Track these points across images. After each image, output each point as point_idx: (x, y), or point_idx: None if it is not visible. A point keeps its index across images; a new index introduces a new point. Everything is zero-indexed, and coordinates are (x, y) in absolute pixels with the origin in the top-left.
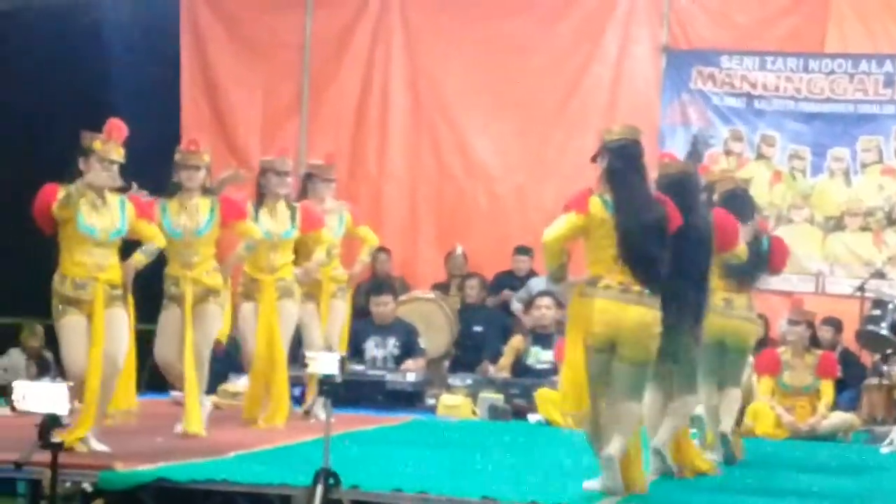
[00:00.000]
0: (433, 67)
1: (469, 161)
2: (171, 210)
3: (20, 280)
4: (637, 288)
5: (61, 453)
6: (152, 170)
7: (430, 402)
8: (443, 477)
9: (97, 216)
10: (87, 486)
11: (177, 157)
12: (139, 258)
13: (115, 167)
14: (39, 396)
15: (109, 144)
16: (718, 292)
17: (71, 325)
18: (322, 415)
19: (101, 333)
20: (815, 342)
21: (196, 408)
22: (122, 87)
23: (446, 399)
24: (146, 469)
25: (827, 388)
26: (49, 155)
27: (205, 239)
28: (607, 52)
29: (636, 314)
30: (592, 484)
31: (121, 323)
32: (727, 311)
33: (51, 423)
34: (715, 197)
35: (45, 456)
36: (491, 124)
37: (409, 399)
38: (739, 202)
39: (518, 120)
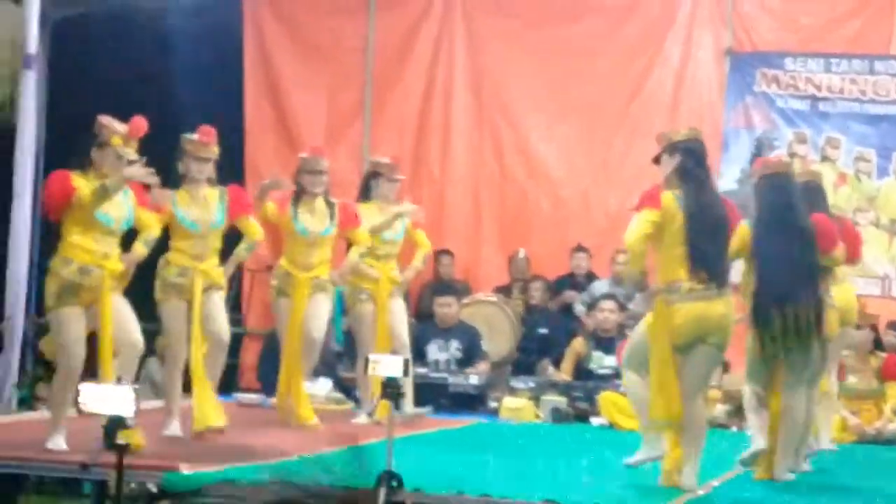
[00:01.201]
0: (496, 71)
1: (532, 164)
2: (182, 201)
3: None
4: (713, 284)
5: (127, 454)
6: (216, 173)
7: (493, 405)
8: (505, 480)
9: (111, 205)
10: (152, 487)
11: (188, 146)
12: (141, 249)
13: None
14: (105, 398)
15: (129, 142)
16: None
17: (68, 317)
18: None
19: (109, 319)
20: (878, 345)
21: (210, 401)
22: (187, 91)
23: (509, 402)
24: (211, 471)
25: (892, 391)
26: None
27: (218, 231)
28: (670, 56)
29: (721, 307)
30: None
31: (127, 307)
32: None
33: (116, 424)
34: None
35: (111, 457)
36: (554, 128)
37: (471, 402)
38: (813, 194)
39: (581, 123)
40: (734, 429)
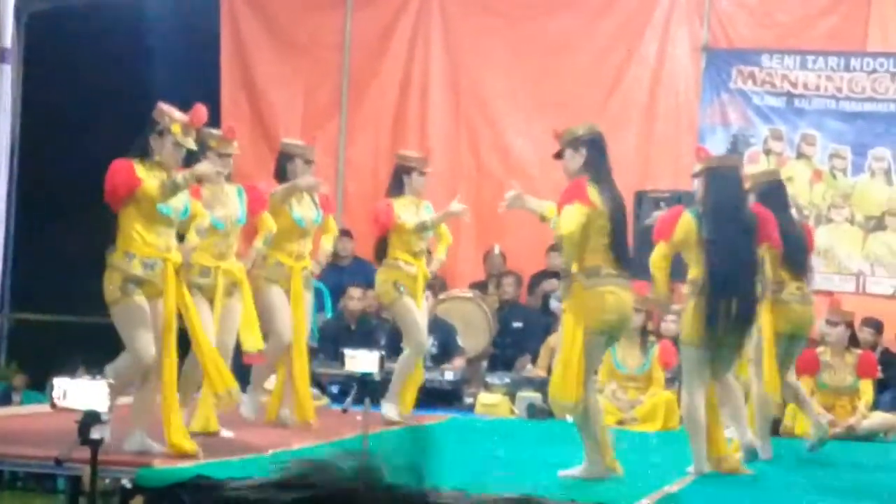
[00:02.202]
0: (472, 67)
1: (508, 160)
2: (204, 198)
3: None
4: (626, 273)
5: (100, 450)
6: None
7: (469, 400)
8: (481, 475)
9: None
10: (126, 483)
11: (211, 142)
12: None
13: (184, 151)
14: (80, 393)
15: (189, 131)
16: (790, 283)
17: (138, 308)
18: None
19: (173, 315)
20: (854, 342)
21: (209, 404)
22: (162, 86)
23: (484, 398)
24: (184, 466)
25: (867, 388)
26: (90, 156)
27: (239, 229)
28: (647, 52)
29: (631, 295)
30: (571, 472)
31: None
32: (803, 299)
33: (91, 419)
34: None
35: (85, 452)
36: (530, 123)
37: (447, 397)
38: (776, 193)
39: (558, 119)
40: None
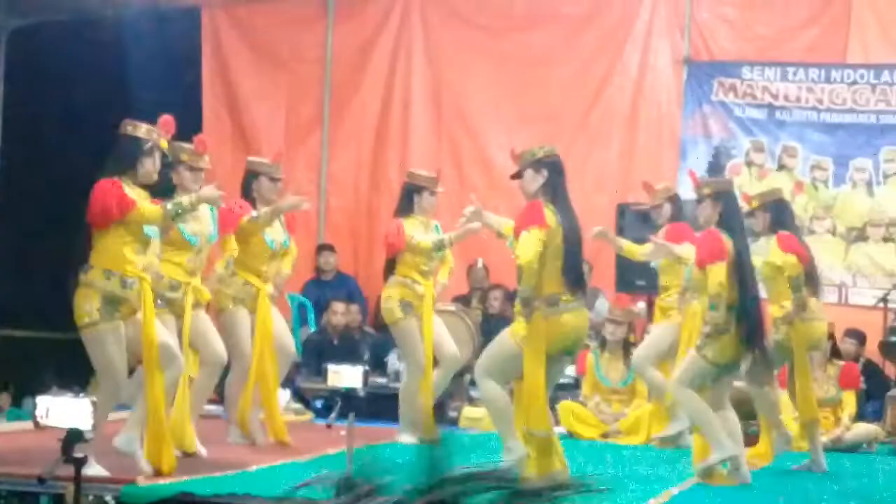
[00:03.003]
0: (454, 80)
1: (490, 174)
2: None
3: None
4: (581, 296)
5: (84, 468)
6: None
7: (453, 414)
8: None
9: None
10: (109, 500)
11: (183, 156)
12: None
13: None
14: (63, 411)
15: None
16: (810, 300)
17: (116, 332)
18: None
19: (154, 331)
20: (836, 353)
21: (189, 424)
22: (144, 102)
23: (468, 412)
24: (168, 483)
25: (849, 399)
26: (71, 172)
27: (210, 246)
28: (628, 65)
29: (586, 319)
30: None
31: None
32: (821, 314)
33: (74, 438)
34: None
35: (68, 470)
36: (512, 137)
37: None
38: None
39: (540, 133)
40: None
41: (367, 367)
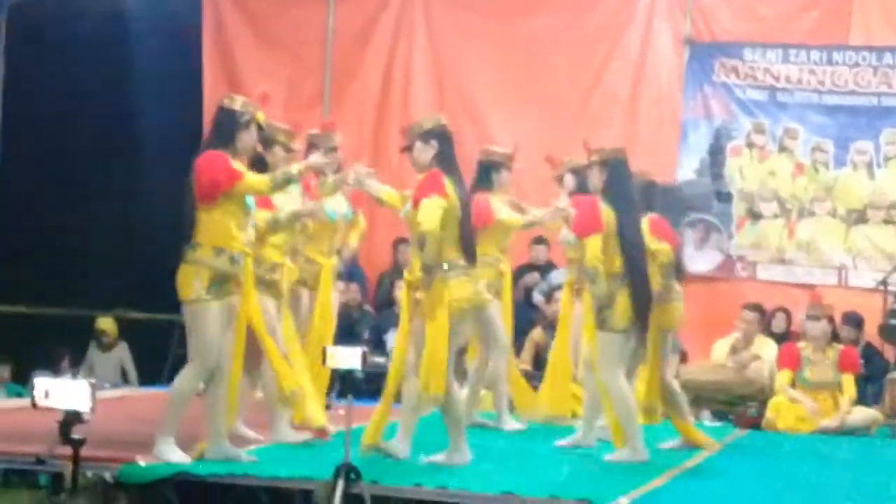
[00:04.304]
0: (455, 63)
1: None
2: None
3: None
4: (474, 263)
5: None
6: (175, 163)
7: None
8: (463, 471)
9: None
10: (108, 478)
11: (278, 137)
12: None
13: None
14: (61, 393)
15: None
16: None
17: (220, 312)
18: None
19: (252, 309)
20: (835, 337)
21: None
22: (145, 82)
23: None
24: (166, 463)
25: (848, 383)
26: (72, 146)
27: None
28: (630, 46)
29: (479, 287)
30: (434, 458)
31: None
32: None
33: (72, 419)
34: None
35: (66, 448)
36: (514, 119)
37: None
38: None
39: (541, 115)
40: (691, 418)
41: (365, 348)
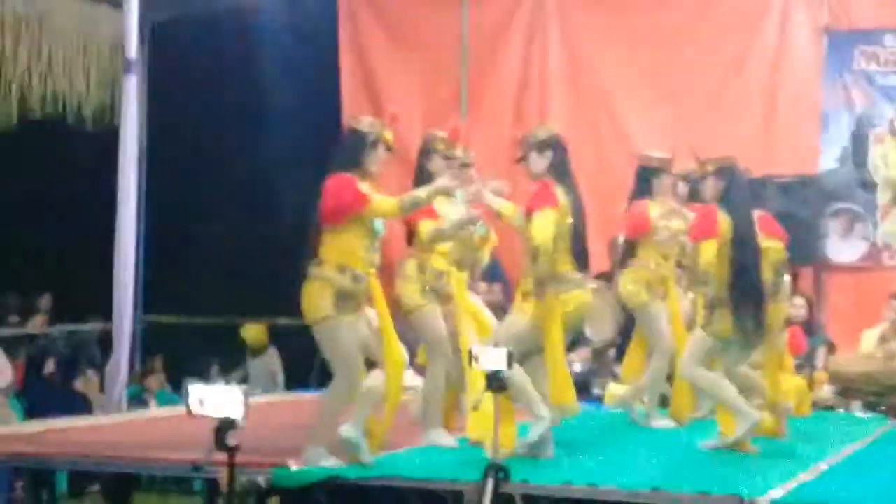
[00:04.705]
0: (590, 60)
1: (628, 151)
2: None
3: None
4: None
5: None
6: (313, 166)
7: (597, 391)
8: (611, 468)
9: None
10: (261, 483)
11: (438, 145)
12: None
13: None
14: (215, 400)
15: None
16: None
17: (351, 326)
18: None
19: (389, 321)
20: None
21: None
22: (284, 88)
23: (614, 388)
24: (318, 467)
25: None
26: (216, 160)
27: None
28: (766, 36)
29: (590, 295)
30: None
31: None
32: None
33: (226, 426)
34: None
35: (221, 454)
36: (650, 114)
37: (575, 389)
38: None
39: (678, 108)
40: (841, 410)
41: (511, 349)
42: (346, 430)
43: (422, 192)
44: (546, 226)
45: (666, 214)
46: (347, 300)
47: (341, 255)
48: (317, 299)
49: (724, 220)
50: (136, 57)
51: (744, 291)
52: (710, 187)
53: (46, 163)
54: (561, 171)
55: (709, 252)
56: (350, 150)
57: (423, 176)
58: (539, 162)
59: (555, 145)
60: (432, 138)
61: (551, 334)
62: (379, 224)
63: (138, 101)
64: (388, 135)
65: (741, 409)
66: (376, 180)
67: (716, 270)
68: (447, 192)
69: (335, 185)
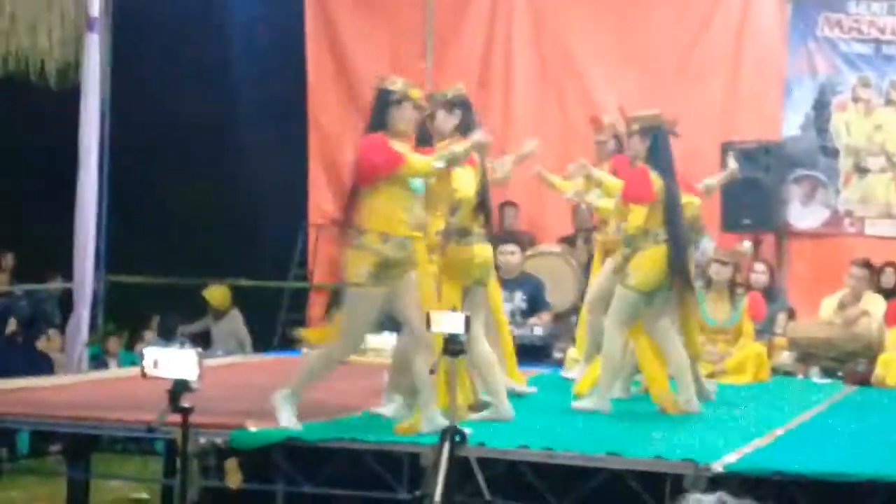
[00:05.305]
0: (556, 23)
1: (594, 115)
2: None
3: None
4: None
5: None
6: (278, 126)
7: (558, 355)
8: (568, 432)
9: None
10: (219, 443)
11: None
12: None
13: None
14: (170, 362)
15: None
16: None
17: (376, 300)
18: None
19: (432, 293)
20: None
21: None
22: (249, 48)
23: (573, 353)
24: (276, 429)
25: None
26: (180, 120)
27: None
28: (731, 2)
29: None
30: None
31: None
32: None
33: (181, 388)
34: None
35: (177, 416)
36: (616, 78)
37: (536, 353)
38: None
39: (643, 73)
40: (800, 376)
41: (468, 313)
42: (277, 395)
43: (458, 148)
44: (469, 181)
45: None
46: (391, 268)
47: (382, 221)
48: (356, 265)
49: (656, 181)
50: (99, 15)
51: (677, 248)
52: (636, 145)
53: (10, 121)
54: (469, 130)
55: (639, 214)
56: (377, 110)
57: (426, 138)
58: (447, 121)
59: (463, 105)
60: (438, 99)
61: (446, 289)
62: (417, 182)
63: (101, 59)
64: (415, 92)
65: (605, 387)
66: (408, 140)
67: (640, 227)
68: (482, 147)
69: (367, 145)
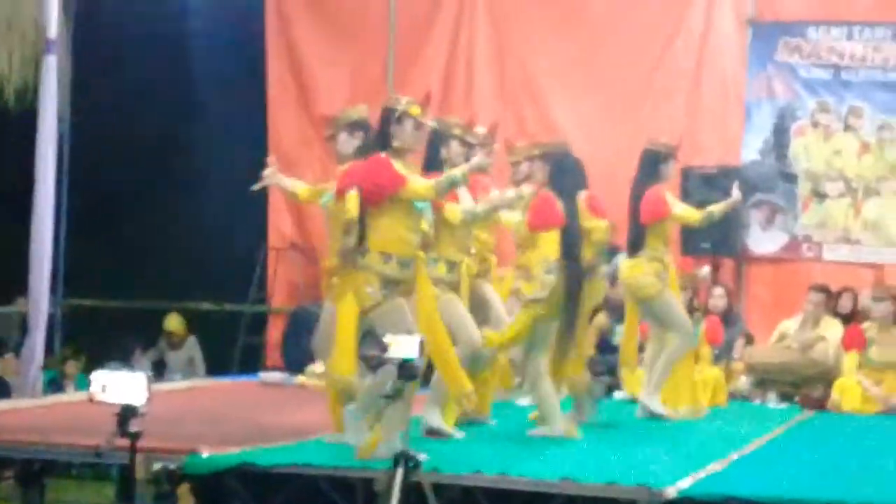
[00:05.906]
0: (518, 45)
1: (555, 138)
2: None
3: None
4: None
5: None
6: (238, 147)
7: (516, 380)
8: (523, 458)
9: None
10: (173, 468)
11: (454, 130)
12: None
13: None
14: (119, 387)
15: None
16: None
17: (403, 308)
18: None
19: (436, 312)
20: None
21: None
22: (208, 67)
23: None
24: (229, 454)
25: None
26: (141, 141)
27: None
28: (692, 26)
29: None
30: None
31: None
32: None
33: (128, 413)
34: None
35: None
36: (576, 101)
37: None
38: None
39: (603, 96)
40: (757, 401)
41: (423, 337)
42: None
43: (457, 172)
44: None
45: (678, 203)
46: (396, 286)
47: (384, 241)
48: (364, 287)
49: (560, 207)
50: (57, 37)
51: (570, 275)
52: (539, 171)
53: None
54: (368, 153)
55: (550, 239)
56: (380, 128)
57: (435, 163)
58: (349, 143)
59: (366, 127)
60: (448, 124)
61: (342, 310)
62: (421, 205)
63: (59, 81)
64: (416, 109)
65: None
66: (411, 159)
67: (552, 260)
68: (483, 170)
69: (371, 166)
